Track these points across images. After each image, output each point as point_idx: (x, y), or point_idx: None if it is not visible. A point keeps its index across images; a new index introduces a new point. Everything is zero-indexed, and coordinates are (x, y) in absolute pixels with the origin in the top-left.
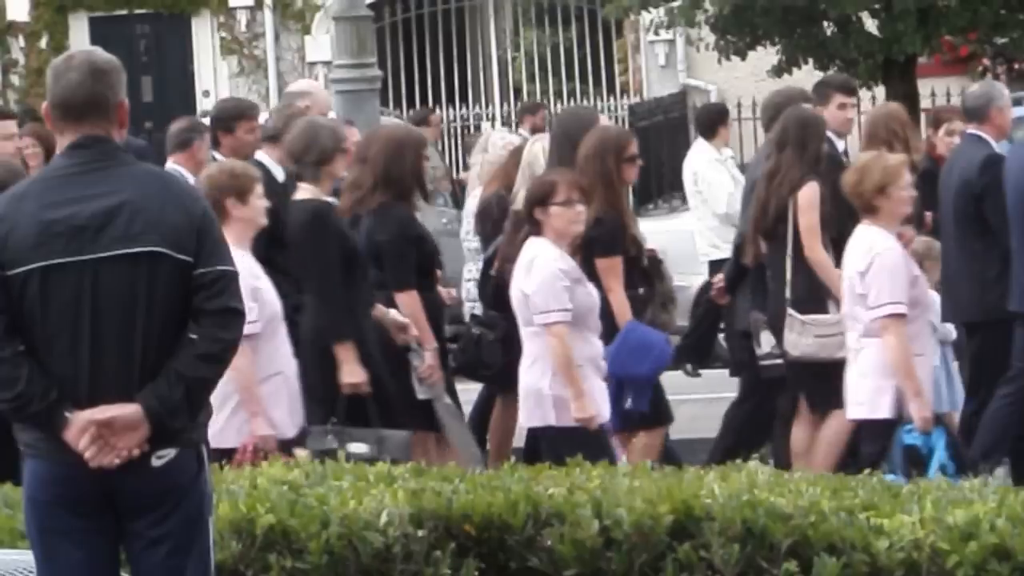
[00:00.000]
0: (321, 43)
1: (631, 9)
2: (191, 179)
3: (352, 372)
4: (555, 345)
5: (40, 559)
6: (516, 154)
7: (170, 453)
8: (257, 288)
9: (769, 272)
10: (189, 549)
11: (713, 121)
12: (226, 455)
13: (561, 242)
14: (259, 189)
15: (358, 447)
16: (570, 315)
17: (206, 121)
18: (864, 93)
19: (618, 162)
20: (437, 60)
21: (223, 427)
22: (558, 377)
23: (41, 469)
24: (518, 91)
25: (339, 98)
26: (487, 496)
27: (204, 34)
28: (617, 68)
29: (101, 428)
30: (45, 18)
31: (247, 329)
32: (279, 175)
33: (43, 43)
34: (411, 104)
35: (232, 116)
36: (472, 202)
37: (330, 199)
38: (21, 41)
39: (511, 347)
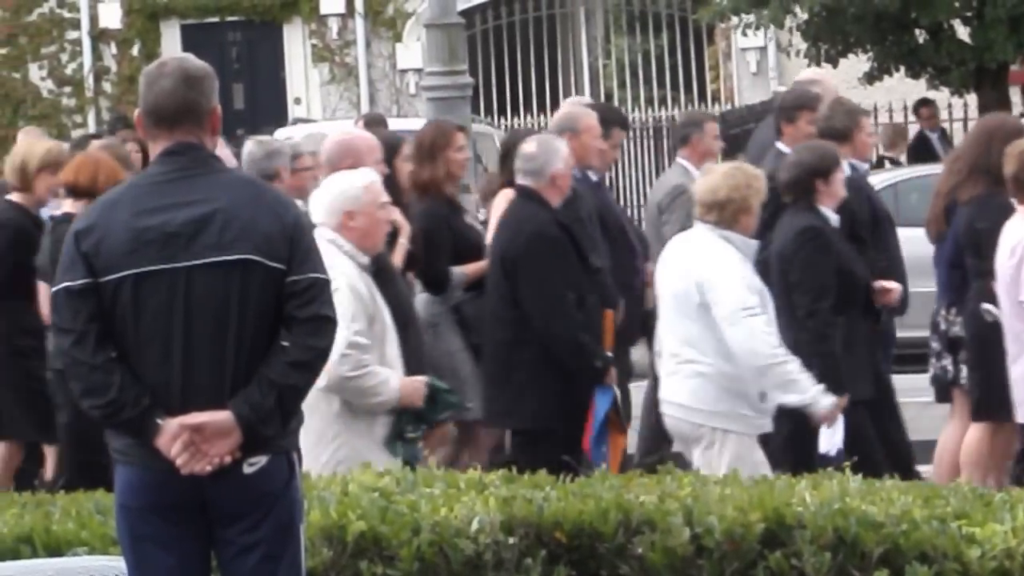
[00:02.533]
0: (412, 50)
1: (723, 14)
2: (694, 172)
3: None
4: None
5: (132, 565)
6: None
7: (262, 460)
8: None
9: None
10: (280, 556)
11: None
12: None
13: None
14: None
15: None
16: None
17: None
18: (956, 101)
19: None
20: (528, 67)
21: None
22: None
23: (133, 476)
24: (609, 98)
25: (430, 105)
26: (578, 504)
27: (296, 41)
28: (708, 75)
29: (193, 435)
30: (137, 25)
31: None
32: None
33: (135, 50)
34: (502, 111)
35: (795, 106)
36: None
37: None
38: (113, 48)
39: None
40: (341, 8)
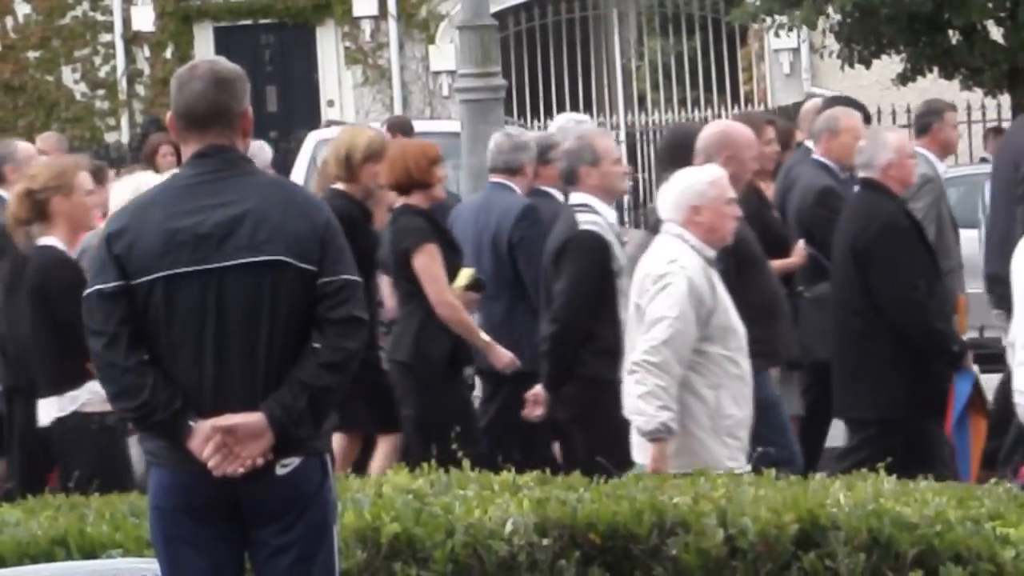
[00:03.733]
0: (445, 52)
1: (756, 15)
2: (935, 161)
3: None
4: None
5: (165, 567)
6: None
7: (294, 462)
8: None
9: None
10: (314, 558)
11: None
12: None
13: None
14: None
15: None
16: None
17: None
18: (989, 102)
19: None
20: (561, 69)
21: None
22: None
23: (165, 477)
24: (642, 100)
25: (463, 107)
26: (612, 505)
27: (328, 44)
28: (741, 77)
29: (225, 436)
30: (170, 28)
31: None
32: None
33: (168, 53)
34: (535, 114)
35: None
36: None
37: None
38: (146, 51)
39: None
40: (374, 10)
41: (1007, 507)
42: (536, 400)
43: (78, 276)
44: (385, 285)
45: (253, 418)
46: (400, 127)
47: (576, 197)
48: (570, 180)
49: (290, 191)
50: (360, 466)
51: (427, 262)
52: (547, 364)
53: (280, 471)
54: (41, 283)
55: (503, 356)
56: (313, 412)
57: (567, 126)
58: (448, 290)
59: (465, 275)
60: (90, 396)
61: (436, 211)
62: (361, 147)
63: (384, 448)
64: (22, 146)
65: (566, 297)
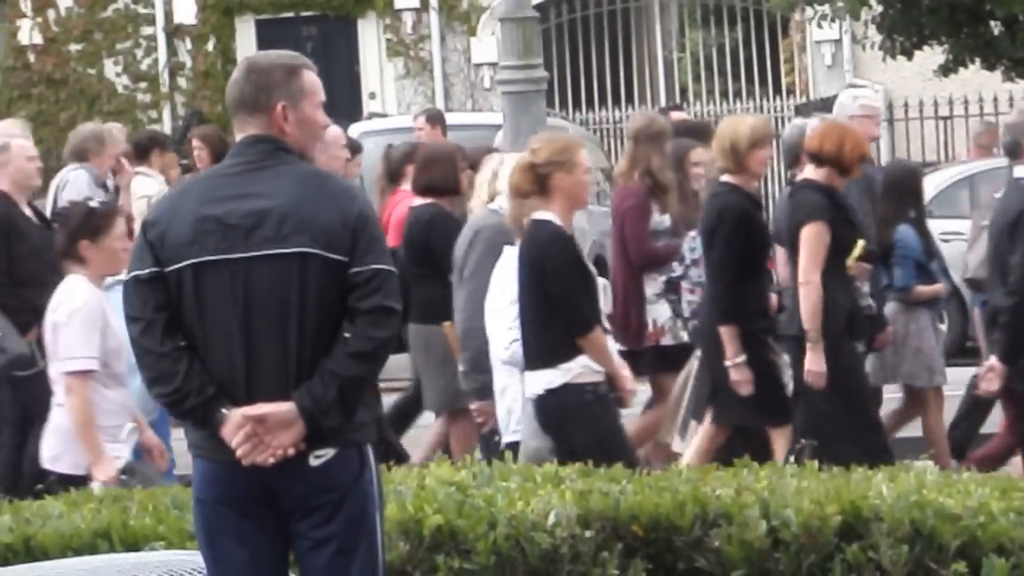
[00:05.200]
0: (487, 44)
1: (796, 4)
2: None
3: None
4: None
5: (208, 559)
6: None
7: (328, 453)
8: None
9: None
10: (354, 550)
11: None
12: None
13: None
14: None
15: None
16: None
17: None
18: None
19: None
20: (603, 61)
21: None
22: None
23: (205, 468)
24: (684, 91)
25: (505, 99)
26: (654, 497)
27: (370, 36)
28: (783, 68)
29: (255, 426)
30: (212, 21)
31: None
32: None
33: (210, 46)
34: (576, 106)
35: None
36: None
37: None
38: (188, 44)
39: None
40: (415, 2)
41: None
42: (993, 372)
43: (573, 251)
44: (780, 254)
45: (283, 407)
46: (435, 119)
47: (1020, 170)
48: (1015, 154)
49: (323, 181)
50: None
51: (810, 238)
52: (1005, 336)
53: (314, 462)
54: (536, 257)
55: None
56: (343, 402)
57: (845, 101)
58: (816, 271)
59: (859, 247)
60: (582, 368)
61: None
62: (745, 135)
63: (780, 441)
64: (330, 130)
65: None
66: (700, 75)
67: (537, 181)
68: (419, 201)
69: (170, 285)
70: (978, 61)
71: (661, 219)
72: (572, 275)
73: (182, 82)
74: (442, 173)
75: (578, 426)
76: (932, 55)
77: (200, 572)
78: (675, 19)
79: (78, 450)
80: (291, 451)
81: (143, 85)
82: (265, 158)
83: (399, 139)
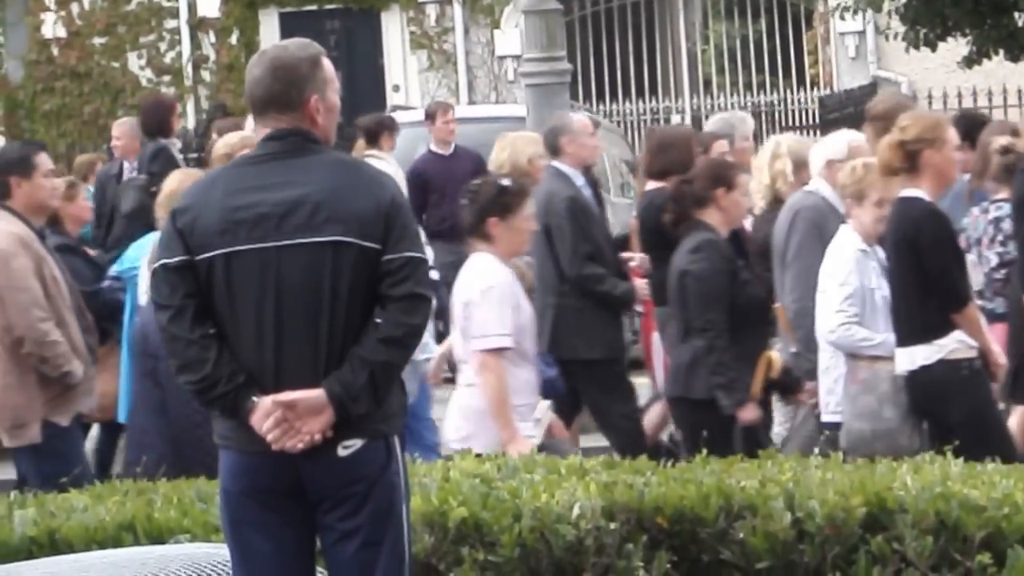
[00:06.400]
0: (510, 37)
1: None
2: None
3: None
4: None
5: (233, 551)
6: None
7: (357, 443)
8: None
9: None
10: (380, 542)
11: None
12: None
13: None
14: None
15: None
16: None
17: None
18: None
19: None
20: (627, 53)
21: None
22: None
23: (232, 460)
24: (707, 84)
25: (529, 91)
26: (679, 489)
27: (394, 28)
28: (807, 60)
29: (286, 412)
30: (235, 14)
31: None
32: None
33: (233, 39)
34: (600, 98)
35: None
36: None
37: None
38: (212, 37)
39: None
40: None
41: None
42: None
43: (948, 228)
44: None
45: (313, 394)
46: (445, 110)
47: None
48: None
49: (355, 169)
50: None
51: None
52: None
53: (342, 452)
54: (911, 234)
55: None
56: (373, 388)
57: None
58: None
59: None
60: (957, 344)
61: None
62: None
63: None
64: (577, 118)
65: None
66: (724, 67)
67: (907, 158)
68: (652, 185)
69: (200, 273)
70: (1002, 52)
71: None
72: (947, 252)
73: (206, 75)
74: (679, 157)
75: (953, 402)
76: (956, 46)
77: (225, 565)
78: (699, 11)
79: (490, 430)
80: (318, 437)
81: (167, 78)
82: (296, 149)
83: (423, 131)
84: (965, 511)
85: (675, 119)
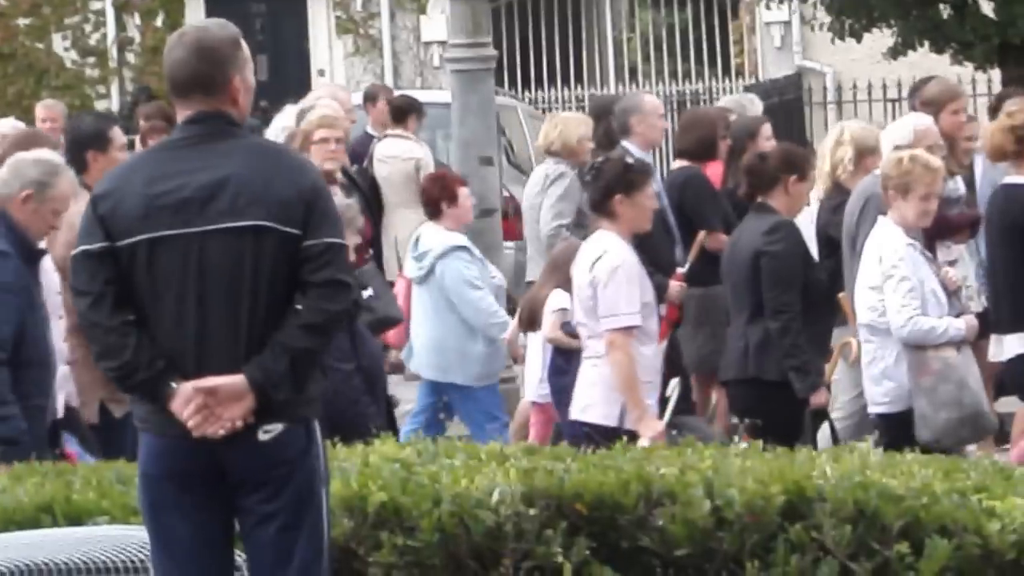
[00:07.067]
0: (436, 23)
1: None
2: None
3: None
4: None
5: (152, 534)
6: None
7: (277, 428)
8: None
9: None
10: (299, 526)
11: None
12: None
13: None
14: None
15: None
16: None
17: None
18: (980, 76)
19: None
20: (553, 41)
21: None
22: None
23: (152, 443)
24: (633, 72)
25: (454, 77)
26: (599, 475)
27: (319, 13)
28: (733, 49)
29: (206, 398)
30: None
31: None
32: None
33: (159, 21)
34: (526, 85)
35: None
36: None
37: None
38: (137, 19)
39: None
40: None
41: (993, 480)
42: None
43: None
44: None
45: (234, 380)
46: (374, 97)
47: None
48: None
49: (276, 155)
50: None
51: None
52: None
53: (263, 437)
54: (1018, 219)
55: None
56: (294, 374)
57: None
58: None
59: None
60: None
61: None
62: None
63: None
64: (648, 99)
65: None
66: (650, 55)
67: (1018, 142)
68: (678, 164)
69: (121, 259)
70: (927, 44)
71: (955, 187)
72: None
73: (130, 57)
74: (701, 137)
75: None
76: (881, 37)
77: (144, 547)
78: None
79: (610, 400)
80: (239, 423)
81: (91, 60)
82: (217, 132)
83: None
84: (883, 500)
85: None
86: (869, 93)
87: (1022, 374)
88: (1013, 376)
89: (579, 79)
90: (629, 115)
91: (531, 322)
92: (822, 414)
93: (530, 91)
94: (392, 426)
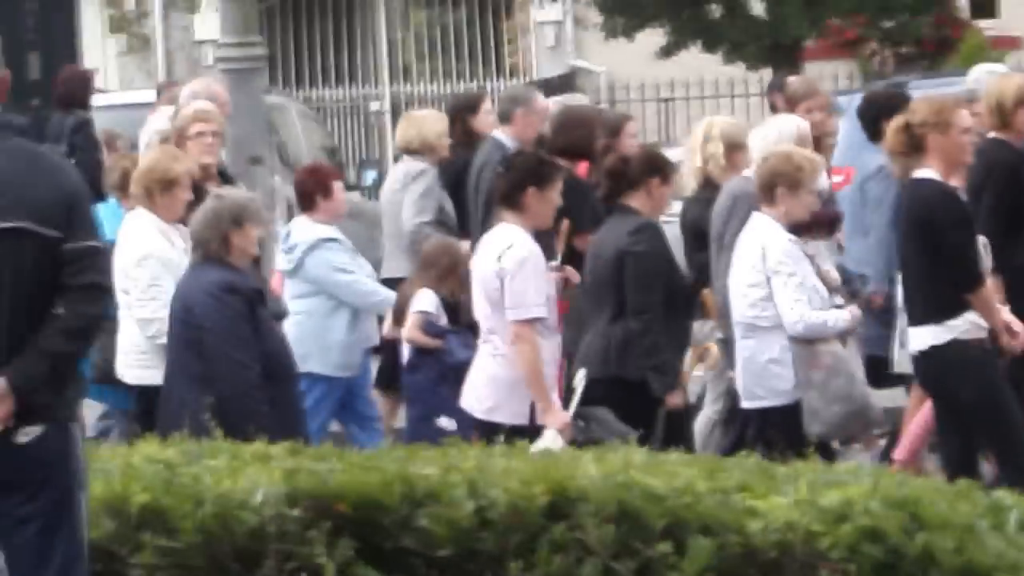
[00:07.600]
0: (209, 22)
1: None
2: None
3: None
4: None
5: None
6: None
7: (36, 430)
8: None
9: None
10: (58, 528)
11: None
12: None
13: None
14: None
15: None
16: None
17: None
18: (751, 76)
19: None
20: (326, 40)
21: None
22: None
23: None
24: (407, 71)
25: (224, 76)
26: (362, 476)
27: (91, 11)
28: (506, 49)
29: None
30: None
31: None
32: None
33: None
34: (299, 84)
35: None
36: None
37: None
38: None
39: None
40: None
41: (755, 479)
42: None
43: (962, 208)
44: None
45: None
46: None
47: None
48: None
49: (37, 157)
50: None
51: None
52: None
53: (21, 439)
54: (925, 214)
55: None
56: (54, 378)
57: (981, 78)
58: None
59: None
60: (969, 325)
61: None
62: (1011, 94)
63: None
64: (541, 98)
65: None
66: (424, 54)
67: (912, 142)
68: None
69: None
70: (699, 44)
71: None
72: (962, 232)
73: None
74: (579, 136)
75: (964, 382)
76: (653, 37)
77: None
78: None
79: (517, 400)
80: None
81: None
82: None
83: (122, 116)
84: (646, 500)
85: (374, 106)
86: (642, 93)
87: (934, 366)
88: (926, 368)
89: (353, 78)
90: (516, 105)
91: (403, 318)
92: (678, 412)
93: (304, 90)
94: (300, 420)
